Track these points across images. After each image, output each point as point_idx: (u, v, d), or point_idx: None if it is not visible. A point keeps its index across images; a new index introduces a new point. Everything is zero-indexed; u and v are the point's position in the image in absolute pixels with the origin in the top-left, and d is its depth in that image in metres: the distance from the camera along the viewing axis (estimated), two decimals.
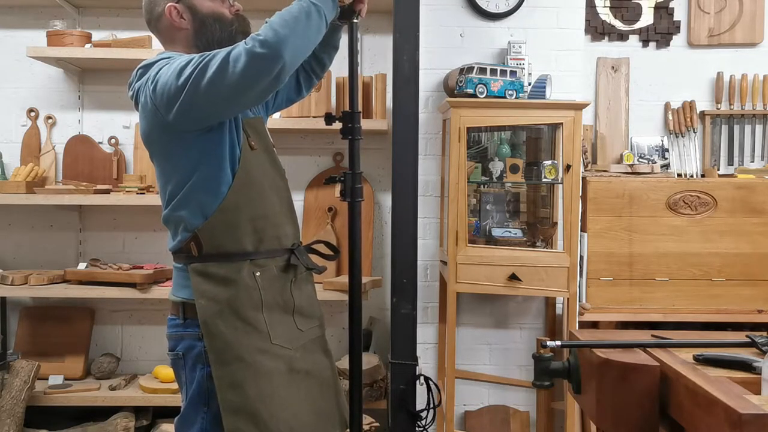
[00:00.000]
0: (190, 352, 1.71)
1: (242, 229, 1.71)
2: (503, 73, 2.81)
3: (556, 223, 2.99)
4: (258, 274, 1.73)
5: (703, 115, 3.41)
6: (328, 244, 2.00)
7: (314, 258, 1.93)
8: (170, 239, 1.78)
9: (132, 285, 3.05)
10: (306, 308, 1.85)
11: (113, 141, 3.35)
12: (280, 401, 1.71)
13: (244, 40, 1.58)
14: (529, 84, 2.90)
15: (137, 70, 1.72)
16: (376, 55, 3.38)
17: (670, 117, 3.40)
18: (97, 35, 3.22)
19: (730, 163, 3.40)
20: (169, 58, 1.69)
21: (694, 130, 3.37)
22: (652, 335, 1.55)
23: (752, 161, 3.41)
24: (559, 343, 1.49)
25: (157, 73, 1.64)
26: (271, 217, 1.77)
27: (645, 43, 3.43)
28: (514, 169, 2.94)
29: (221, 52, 1.57)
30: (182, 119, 1.62)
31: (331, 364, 1.91)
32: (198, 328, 1.69)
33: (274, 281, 1.76)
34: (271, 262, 1.77)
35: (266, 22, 1.61)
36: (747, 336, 1.48)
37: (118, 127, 3.38)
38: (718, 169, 3.37)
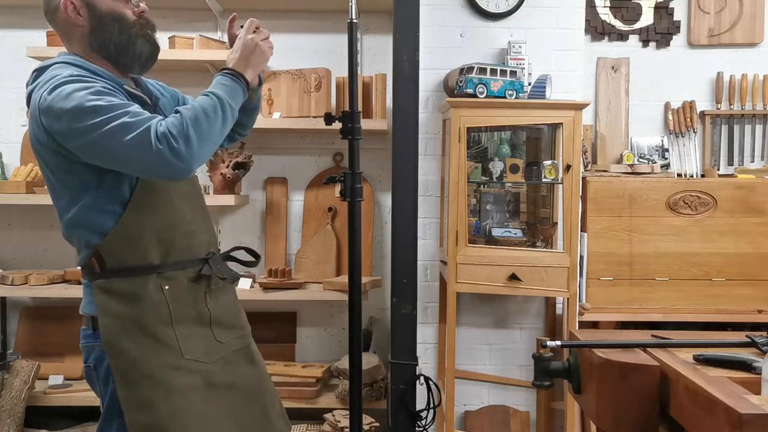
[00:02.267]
0: (102, 364, 1.64)
1: (146, 241, 1.62)
2: (503, 73, 2.81)
3: (556, 223, 2.99)
4: (167, 287, 1.64)
5: (703, 115, 3.41)
6: (248, 250, 1.93)
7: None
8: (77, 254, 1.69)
9: None
10: (225, 319, 1.77)
11: None
12: (197, 418, 1.63)
13: (156, 131, 1.47)
14: (529, 84, 2.90)
15: (32, 73, 1.64)
16: (376, 55, 3.38)
17: (670, 117, 3.40)
18: None
19: (730, 163, 3.40)
20: (65, 64, 1.61)
21: (694, 130, 3.37)
22: (652, 335, 1.55)
23: (752, 161, 3.41)
24: (559, 343, 1.49)
25: (51, 88, 1.52)
26: (180, 226, 1.69)
27: (645, 43, 3.42)
28: (514, 169, 2.94)
29: (133, 129, 1.47)
30: (74, 154, 1.53)
31: (258, 374, 1.82)
32: None
33: (184, 293, 1.68)
34: (181, 274, 1.68)
35: (178, 113, 1.52)
36: (747, 336, 1.48)
37: None
38: (718, 169, 3.37)
